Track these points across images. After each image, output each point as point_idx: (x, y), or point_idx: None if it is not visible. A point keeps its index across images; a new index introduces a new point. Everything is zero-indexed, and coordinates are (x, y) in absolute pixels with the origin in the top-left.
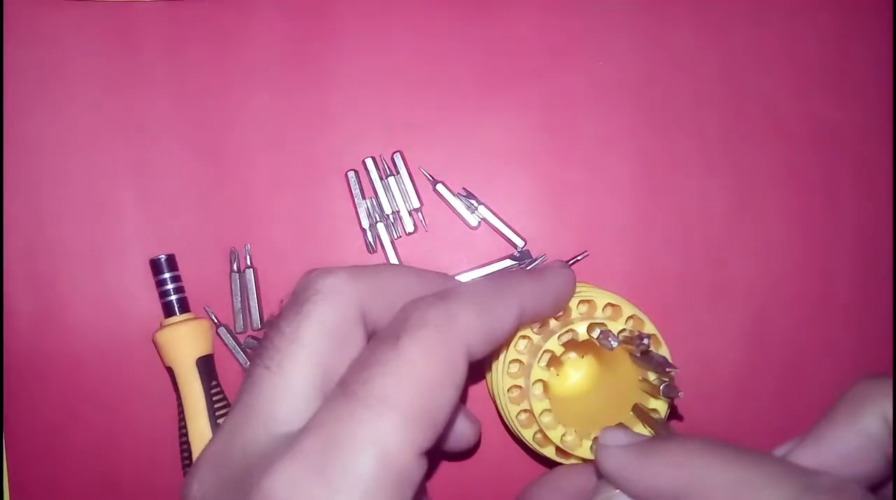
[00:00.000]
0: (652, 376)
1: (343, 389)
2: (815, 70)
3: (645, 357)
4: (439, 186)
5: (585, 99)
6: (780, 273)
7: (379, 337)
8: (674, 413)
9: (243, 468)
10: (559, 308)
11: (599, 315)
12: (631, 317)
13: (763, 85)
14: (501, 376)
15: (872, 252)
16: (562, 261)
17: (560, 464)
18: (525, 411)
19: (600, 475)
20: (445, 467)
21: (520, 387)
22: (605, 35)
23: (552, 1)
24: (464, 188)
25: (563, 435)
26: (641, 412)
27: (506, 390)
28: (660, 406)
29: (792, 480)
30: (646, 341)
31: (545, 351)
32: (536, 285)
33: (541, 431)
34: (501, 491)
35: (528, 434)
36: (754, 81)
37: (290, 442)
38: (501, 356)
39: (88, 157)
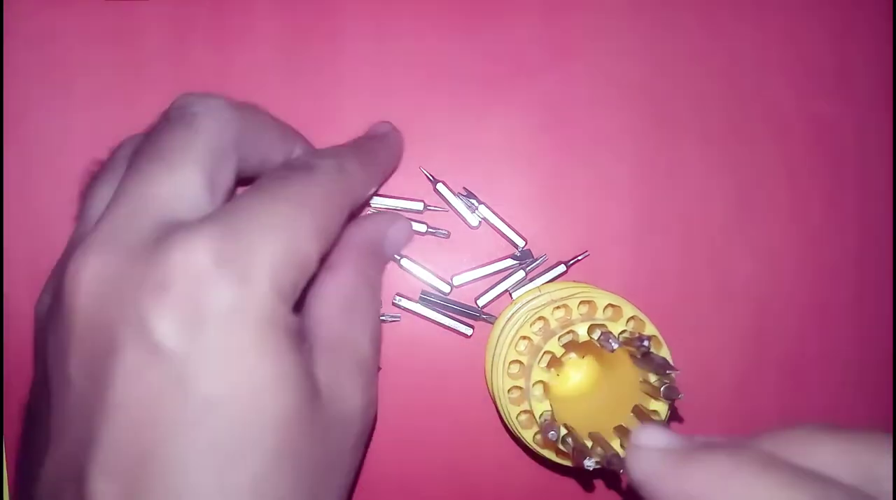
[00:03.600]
0: (653, 378)
1: (259, 190)
2: (816, 70)
3: (645, 359)
4: (439, 186)
5: (586, 99)
6: (780, 273)
7: (288, 165)
8: (674, 415)
9: (146, 242)
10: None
11: (600, 316)
12: (632, 318)
13: (764, 85)
14: (501, 376)
15: (872, 252)
16: (388, 125)
17: (560, 465)
18: (525, 412)
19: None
20: (445, 467)
21: (520, 388)
22: (605, 35)
23: (553, 1)
24: (464, 188)
25: (564, 436)
26: (642, 414)
27: (506, 391)
28: (660, 408)
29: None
30: (646, 342)
31: (545, 352)
32: (389, 152)
33: (541, 432)
34: (501, 491)
35: (528, 435)
36: (755, 82)
37: (201, 221)
38: (502, 357)
39: (88, 156)
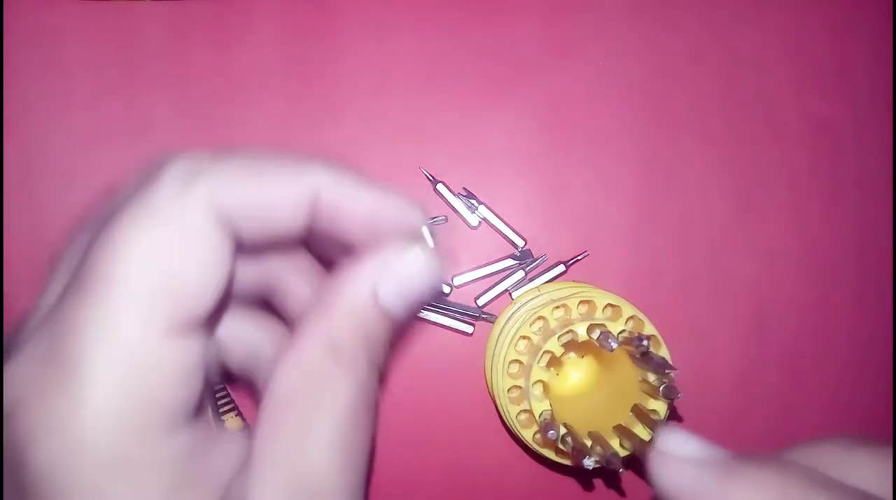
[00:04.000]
0: (652, 377)
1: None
2: (815, 70)
3: (644, 358)
4: (439, 186)
5: (586, 99)
6: (780, 273)
7: None
8: (673, 414)
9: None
10: (378, 232)
11: (599, 316)
12: (631, 318)
13: (763, 85)
14: (501, 376)
15: (872, 252)
16: (412, 201)
17: (559, 464)
18: (525, 411)
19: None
20: (445, 467)
21: (520, 387)
22: (605, 35)
23: (553, 1)
24: (464, 188)
25: (563, 436)
26: (641, 413)
27: (506, 390)
28: (659, 407)
29: None
30: (645, 342)
31: (545, 352)
32: (346, 176)
33: (541, 431)
34: (501, 491)
35: (528, 435)
36: (755, 82)
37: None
38: (501, 357)
39: (89, 156)
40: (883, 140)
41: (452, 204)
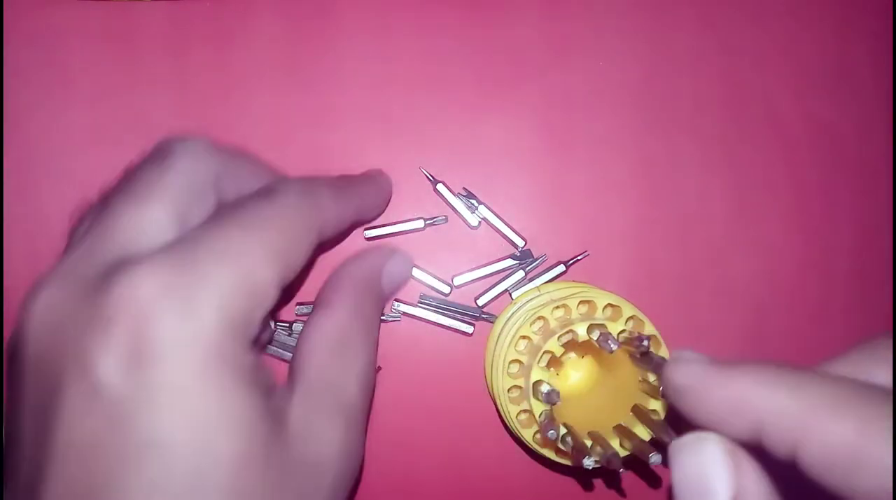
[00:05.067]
0: (652, 377)
1: (215, 219)
2: (814, 70)
3: (645, 358)
4: (439, 186)
5: (586, 99)
6: (780, 273)
7: (250, 193)
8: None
9: (98, 277)
10: (379, 209)
11: (599, 316)
12: (631, 318)
13: (763, 85)
14: (501, 376)
15: (872, 252)
16: (378, 170)
17: (559, 464)
18: (525, 411)
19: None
20: (444, 466)
21: (520, 387)
22: (605, 35)
23: (553, 1)
24: (464, 188)
25: (563, 435)
26: (641, 413)
27: (506, 390)
28: (659, 407)
29: None
30: (645, 342)
31: (545, 352)
32: (372, 189)
33: (540, 431)
34: (501, 491)
35: (527, 435)
36: (754, 82)
37: (152, 253)
38: (501, 357)
39: (89, 156)
40: (883, 141)
41: (452, 204)
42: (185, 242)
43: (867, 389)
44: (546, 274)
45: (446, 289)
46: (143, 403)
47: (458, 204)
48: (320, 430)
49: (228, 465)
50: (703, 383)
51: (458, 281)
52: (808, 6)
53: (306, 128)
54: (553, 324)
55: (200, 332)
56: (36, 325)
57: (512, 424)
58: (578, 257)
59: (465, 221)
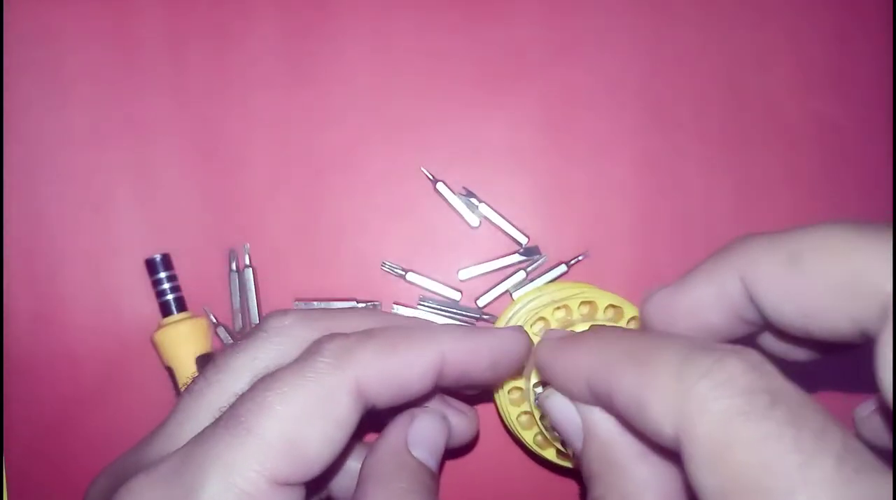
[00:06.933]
0: None
1: (220, 415)
2: (816, 69)
3: None
4: (440, 186)
5: (586, 98)
6: None
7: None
8: None
9: (121, 480)
10: (502, 370)
11: (601, 317)
12: (633, 318)
13: (764, 84)
14: None
15: None
16: (519, 327)
17: (560, 465)
18: (525, 413)
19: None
20: (444, 467)
21: (520, 389)
22: (606, 34)
23: (553, 1)
24: (464, 187)
25: None
26: None
27: (506, 392)
28: None
29: (680, 344)
30: None
31: None
32: (466, 340)
33: (541, 433)
34: (501, 492)
35: (528, 436)
36: (756, 81)
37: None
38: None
39: (87, 155)
40: (884, 140)
41: (453, 203)
42: (183, 449)
43: (657, 339)
44: (547, 274)
45: (457, 295)
46: None
47: (458, 203)
48: None
49: None
50: (549, 358)
51: (464, 276)
52: (808, 6)
53: (306, 128)
54: (554, 325)
55: None
56: None
57: (512, 425)
58: (579, 258)
59: (465, 220)
